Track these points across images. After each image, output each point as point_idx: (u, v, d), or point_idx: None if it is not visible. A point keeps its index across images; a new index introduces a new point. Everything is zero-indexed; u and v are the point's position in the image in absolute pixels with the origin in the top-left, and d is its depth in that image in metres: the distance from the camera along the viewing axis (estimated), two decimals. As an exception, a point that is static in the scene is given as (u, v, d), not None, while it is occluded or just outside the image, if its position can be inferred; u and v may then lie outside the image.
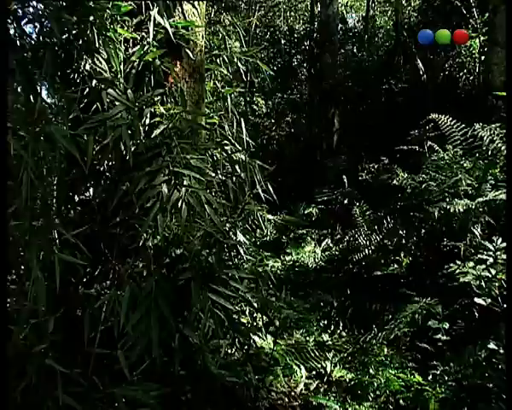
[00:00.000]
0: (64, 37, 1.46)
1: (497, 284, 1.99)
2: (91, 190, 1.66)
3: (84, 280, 1.60)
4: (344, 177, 5.10)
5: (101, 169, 1.63)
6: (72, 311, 1.53)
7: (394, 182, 4.11)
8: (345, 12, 13.43)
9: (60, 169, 1.57)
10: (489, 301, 1.97)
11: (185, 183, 1.44)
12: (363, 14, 12.65)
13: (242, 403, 1.84)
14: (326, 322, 2.83)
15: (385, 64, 8.12)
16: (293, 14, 13.83)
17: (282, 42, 10.48)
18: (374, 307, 2.89)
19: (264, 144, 8.95)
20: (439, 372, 1.91)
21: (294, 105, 9.18)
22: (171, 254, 1.55)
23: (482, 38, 4.76)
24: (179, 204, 1.42)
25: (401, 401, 1.94)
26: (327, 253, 4.36)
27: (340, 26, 9.06)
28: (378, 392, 1.99)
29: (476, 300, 1.97)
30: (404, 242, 3.64)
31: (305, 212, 5.15)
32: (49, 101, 1.53)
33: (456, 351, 2.06)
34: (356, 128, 7.41)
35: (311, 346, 2.50)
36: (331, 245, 4.48)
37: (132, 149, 1.47)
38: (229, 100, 1.96)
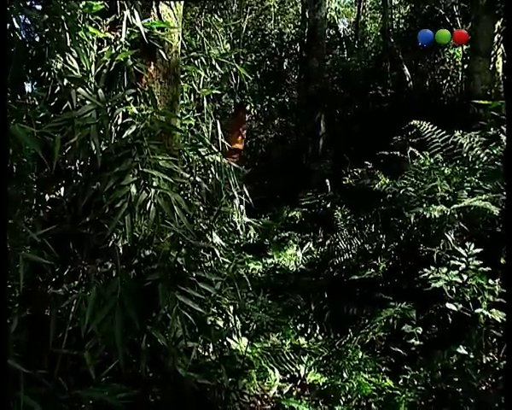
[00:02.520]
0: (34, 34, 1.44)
1: (468, 290, 2.02)
2: (62, 189, 1.64)
3: (53, 280, 1.57)
4: (327, 181, 5.12)
5: (72, 168, 1.61)
6: (39, 311, 1.50)
7: (376, 187, 4.15)
8: (336, 17, 13.52)
9: (27, 168, 1.56)
10: (460, 306, 2.00)
11: (154, 184, 1.43)
12: (354, 20, 12.76)
13: (212, 406, 1.83)
14: (303, 325, 2.84)
15: (372, 70, 8.21)
16: (283, 17, 13.88)
17: (273, 45, 10.52)
18: (351, 311, 2.91)
19: (252, 147, 8.97)
20: (409, 377, 1.93)
21: (283, 109, 9.21)
22: (139, 254, 1.54)
23: (465, 47, 4.83)
24: (148, 205, 1.41)
25: (372, 405, 1.95)
26: (308, 256, 4.38)
27: (329, 30, 9.13)
28: (350, 396, 2.00)
29: (448, 305, 2.00)
30: (383, 247, 3.66)
31: (289, 215, 5.17)
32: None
33: (429, 356, 2.08)
34: (342, 133, 7.47)
35: (287, 349, 2.51)
36: (313, 249, 4.50)
37: (103, 148, 1.46)
38: (205, 102, 1.95)
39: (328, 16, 9.91)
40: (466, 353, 1.91)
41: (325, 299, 3.15)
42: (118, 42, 1.50)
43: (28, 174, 1.55)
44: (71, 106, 1.43)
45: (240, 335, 2.40)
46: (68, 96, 1.41)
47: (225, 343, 2.04)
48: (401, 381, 1.97)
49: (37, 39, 1.53)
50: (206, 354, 2.00)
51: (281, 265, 4.16)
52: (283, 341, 2.62)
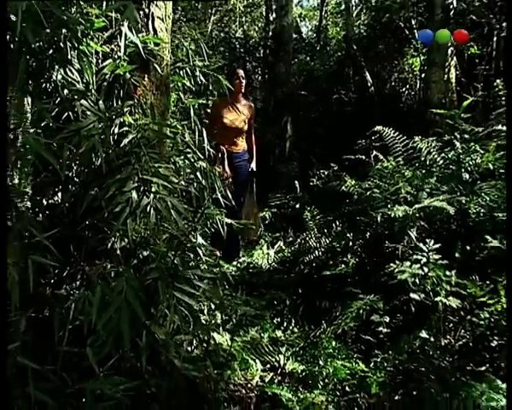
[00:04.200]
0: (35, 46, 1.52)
1: (429, 281, 2.26)
2: (59, 194, 1.72)
3: (52, 282, 1.66)
4: (296, 182, 5.34)
5: (70, 175, 1.70)
6: (41, 311, 1.59)
7: (343, 188, 4.40)
8: (298, 20, 13.83)
9: (27, 175, 1.64)
10: (422, 296, 2.24)
11: (153, 189, 1.56)
12: (317, 24, 13.12)
13: (203, 395, 1.97)
14: (279, 319, 3.01)
15: (335, 74, 8.54)
16: (248, 19, 14.04)
17: (237, 46, 10.65)
18: (323, 304, 3.11)
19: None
20: (379, 360, 2.15)
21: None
22: (138, 255, 1.65)
23: (422, 58, 5.19)
24: (148, 209, 1.53)
25: (347, 388, 2.16)
26: (279, 255, 4.56)
27: (294, 35, 9.38)
28: (327, 380, 2.19)
29: (411, 295, 2.23)
30: (351, 244, 3.91)
31: (260, 215, 5.33)
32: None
33: (396, 341, 2.31)
34: (307, 135, 7.74)
35: (266, 342, 2.68)
36: (283, 247, 4.69)
37: (103, 156, 1.57)
38: (191, 111, 2.08)
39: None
40: (427, 336, 2.16)
41: (299, 294, 3.34)
42: (116, 55, 1.60)
43: (27, 181, 1.63)
44: (73, 116, 1.53)
45: (221, 330, 2.56)
46: (71, 107, 1.50)
47: (211, 337, 2.17)
48: (372, 364, 2.19)
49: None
50: (192, 347, 2.14)
51: (254, 263, 4.32)
52: (262, 334, 2.78)
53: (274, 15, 10.89)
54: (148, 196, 1.52)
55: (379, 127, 4.21)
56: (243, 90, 4.21)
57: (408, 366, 2.04)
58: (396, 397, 1.99)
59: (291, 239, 4.76)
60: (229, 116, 4.12)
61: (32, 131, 1.44)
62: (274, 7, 8.87)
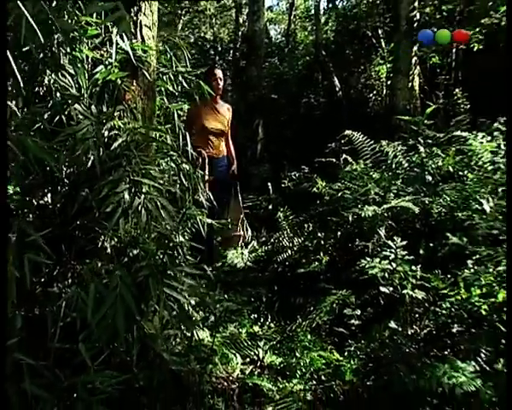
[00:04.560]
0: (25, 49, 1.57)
1: (396, 276, 2.45)
2: (49, 195, 1.77)
3: (43, 280, 1.70)
4: (269, 184, 5.49)
5: (60, 177, 1.75)
6: (33, 309, 1.63)
7: (314, 190, 4.59)
8: (267, 24, 14.02)
9: (17, 176, 1.68)
10: (391, 289, 2.42)
11: (144, 190, 1.64)
12: (285, 27, 13.35)
13: (188, 388, 2.06)
14: (256, 316, 3.13)
15: (304, 78, 8.77)
16: (218, 21, 14.09)
17: (208, 47, 10.71)
18: (297, 300, 3.26)
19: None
20: (352, 349, 2.31)
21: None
22: (128, 254, 1.72)
23: (389, 66, 5.46)
24: (139, 209, 1.61)
25: (323, 377, 2.30)
26: (253, 254, 4.68)
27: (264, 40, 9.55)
28: (304, 370, 2.33)
29: (381, 288, 2.41)
30: (322, 243, 4.08)
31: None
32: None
33: (367, 332, 2.48)
34: (278, 138, 7.91)
35: (244, 337, 2.79)
36: (257, 247, 4.82)
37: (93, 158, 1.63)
38: (175, 115, 2.17)
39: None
40: (396, 326, 2.33)
41: (274, 291, 3.48)
42: (107, 62, 1.67)
43: (18, 182, 1.67)
44: (65, 120, 1.59)
45: (201, 326, 2.65)
46: (63, 111, 1.56)
47: (193, 333, 2.26)
48: (346, 353, 2.35)
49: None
50: (176, 342, 2.22)
51: (228, 262, 4.42)
52: (240, 330, 2.89)
53: (244, 18, 11.02)
54: (139, 197, 1.60)
55: (348, 131, 4.42)
56: (221, 92, 4.09)
57: (379, 354, 2.20)
58: (368, 382, 2.15)
59: (264, 239, 4.89)
60: (210, 119, 4.00)
61: (21, 132, 1.49)
62: (246, 11, 9.00)
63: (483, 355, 1.87)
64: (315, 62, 8.68)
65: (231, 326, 2.91)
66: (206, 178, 3.75)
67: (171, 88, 2.26)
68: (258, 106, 7.49)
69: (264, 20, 8.12)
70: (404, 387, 1.82)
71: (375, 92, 6.24)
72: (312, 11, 11.21)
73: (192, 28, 13.45)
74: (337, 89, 7.62)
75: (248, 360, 2.58)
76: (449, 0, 5.16)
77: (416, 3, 4.78)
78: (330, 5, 9.76)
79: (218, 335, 2.73)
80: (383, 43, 5.64)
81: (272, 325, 3.02)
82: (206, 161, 3.92)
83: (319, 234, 4.22)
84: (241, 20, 12.19)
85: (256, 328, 2.95)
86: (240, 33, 10.98)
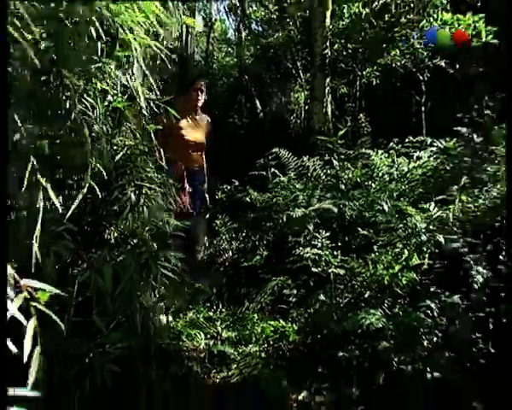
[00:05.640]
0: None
1: (323, 260, 3.18)
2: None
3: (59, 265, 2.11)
4: (207, 195, 6.03)
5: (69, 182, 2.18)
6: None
7: (247, 199, 5.27)
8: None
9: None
10: (320, 269, 3.14)
11: (144, 191, 2.15)
12: (203, 49, 13.99)
13: (170, 354, 2.55)
14: (209, 304, 3.67)
15: (229, 100, 9.51)
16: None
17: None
18: (242, 290, 3.87)
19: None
20: (294, 315, 2.97)
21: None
22: (129, 242, 2.21)
23: (306, 93, 6.39)
24: (142, 207, 2.12)
25: (272, 341, 2.93)
26: (197, 258, 5.19)
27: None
28: (257, 337, 2.94)
29: (313, 269, 3.12)
30: (257, 243, 4.76)
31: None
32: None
33: (303, 304, 3.17)
34: (208, 157, 8.49)
35: (202, 320, 3.32)
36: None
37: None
38: (152, 134, 2.68)
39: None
40: (324, 298, 3.05)
41: (221, 285, 4.04)
42: (112, 92, 2.15)
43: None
44: (86, 139, 2.04)
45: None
46: (82, 131, 2.02)
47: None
48: (289, 320, 3.01)
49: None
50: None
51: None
52: (197, 316, 3.41)
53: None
54: (142, 197, 2.11)
55: (276, 149, 5.19)
56: (201, 104, 4.06)
57: (314, 319, 2.89)
58: (308, 340, 2.83)
59: (206, 244, 5.43)
60: (190, 132, 3.98)
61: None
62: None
63: (386, 305, 2.65)
64: (238, 85, 9.46)
65: (190, 313, 3.43)
66: (184, 196, 3.94)
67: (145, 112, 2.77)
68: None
69: (194, 44, 8.69)
70: (333, 332, 2.51)
71: (295, 115, 7.17)
72: (229, 34, 12.01)
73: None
74: (258, 111, 8.47)
75: (209, 336, 3.12)
76: (354, 41, 6.23)
77: (328, 43, 5.77)
78: (246, 30, 10.60)
79: (179, 320, 3.24)
80: (301, 73, 6.59)
81: (224, 310, 3.59)
82: (185, 173, 3.98)
83: (252, 237, 4.91)
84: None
85: (211, 313, 3.49)
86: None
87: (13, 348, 1.10)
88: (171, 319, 3.12)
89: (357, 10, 6.19)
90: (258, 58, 9.69)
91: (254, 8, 8.35)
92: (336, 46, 6.30)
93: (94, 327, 2.08)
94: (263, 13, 7.65)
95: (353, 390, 2.33)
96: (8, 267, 1.12)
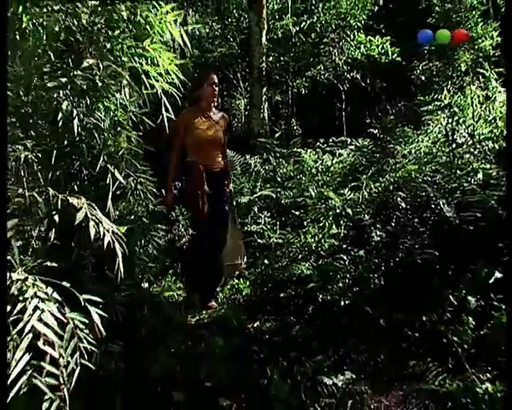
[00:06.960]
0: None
1: (265, 233, 4.15)
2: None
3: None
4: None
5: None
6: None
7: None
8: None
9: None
10: (264, 240, 4.11)
11: (139, 180, 2.97)
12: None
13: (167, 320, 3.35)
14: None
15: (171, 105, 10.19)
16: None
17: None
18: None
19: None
20: (247, 275, 3.91)
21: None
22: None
23: (246, 100, 7.37)
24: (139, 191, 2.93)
25: (232, 296, 3.85)
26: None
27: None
28: (221, 296, 3.84)
29: (259, 240, 4.08)
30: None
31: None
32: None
33: (252, 266, 4.12)
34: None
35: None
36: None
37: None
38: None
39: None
40: (268, 262, 4.02)
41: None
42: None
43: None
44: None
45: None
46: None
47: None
48: (242, 280, 3.94)
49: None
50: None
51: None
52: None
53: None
54: (140, 184, 2.93)
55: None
56: (215, 99, 3.76)
57: (261, 277, 3.86)
58: (257, 292, 3.78)
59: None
60: (203, 127, 3.61)
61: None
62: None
63: (313, 258, 3.67)
64: (183, 95, 10.16)
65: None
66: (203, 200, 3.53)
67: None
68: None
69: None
70: (276, 281, 3.48)
71: (236, 120, 8.12)
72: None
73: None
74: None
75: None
76: (286, 54, 7.31)
77: (264, 57, 6.79)
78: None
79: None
80: (241, 83, 7.55)
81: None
82: (203, 174, 3.56)
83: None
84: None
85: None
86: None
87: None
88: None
89: (287, 28, 7.30)
90: (198, 65, 10.51)
91: (199, 25, 9.07)
92: (271, 58, 7.35)
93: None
94: (208, 30, 8.45)
95: (291, 318, 3.30)
96: None
